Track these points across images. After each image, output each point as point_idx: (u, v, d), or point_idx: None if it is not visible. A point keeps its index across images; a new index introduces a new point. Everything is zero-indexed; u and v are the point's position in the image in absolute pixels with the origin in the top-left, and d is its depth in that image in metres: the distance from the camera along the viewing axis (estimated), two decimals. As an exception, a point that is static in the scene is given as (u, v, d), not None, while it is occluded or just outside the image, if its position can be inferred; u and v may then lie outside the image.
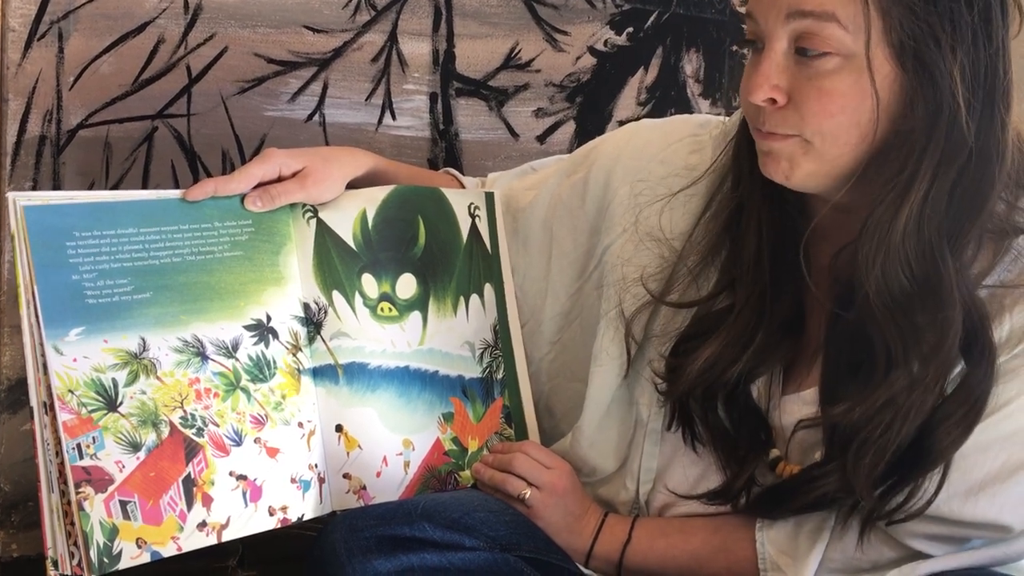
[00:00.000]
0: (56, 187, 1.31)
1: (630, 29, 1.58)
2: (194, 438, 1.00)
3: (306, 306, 1.10)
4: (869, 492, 0.95)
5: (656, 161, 1.13)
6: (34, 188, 1.31)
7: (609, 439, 1.15)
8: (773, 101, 0.92)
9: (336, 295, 1.11)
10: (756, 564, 1.05)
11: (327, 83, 1.43)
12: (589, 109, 1.57)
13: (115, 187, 1.35)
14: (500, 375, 1.19)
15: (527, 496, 1.10)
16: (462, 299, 1.17)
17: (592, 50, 1.56)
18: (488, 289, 1.19)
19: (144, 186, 1.36)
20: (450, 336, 1.16)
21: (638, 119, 1.54)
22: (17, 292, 0.95)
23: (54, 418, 0.94)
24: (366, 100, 1.46)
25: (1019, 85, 0.91)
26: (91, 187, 1.34)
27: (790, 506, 1.02)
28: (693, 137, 1.13)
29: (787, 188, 0.97)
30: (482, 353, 1.18)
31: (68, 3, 1.29)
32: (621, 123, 1.56)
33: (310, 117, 1.43)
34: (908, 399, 0.92)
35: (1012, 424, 0.93)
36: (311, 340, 1.09)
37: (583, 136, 1.56)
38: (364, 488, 1.10)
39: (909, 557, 0.99)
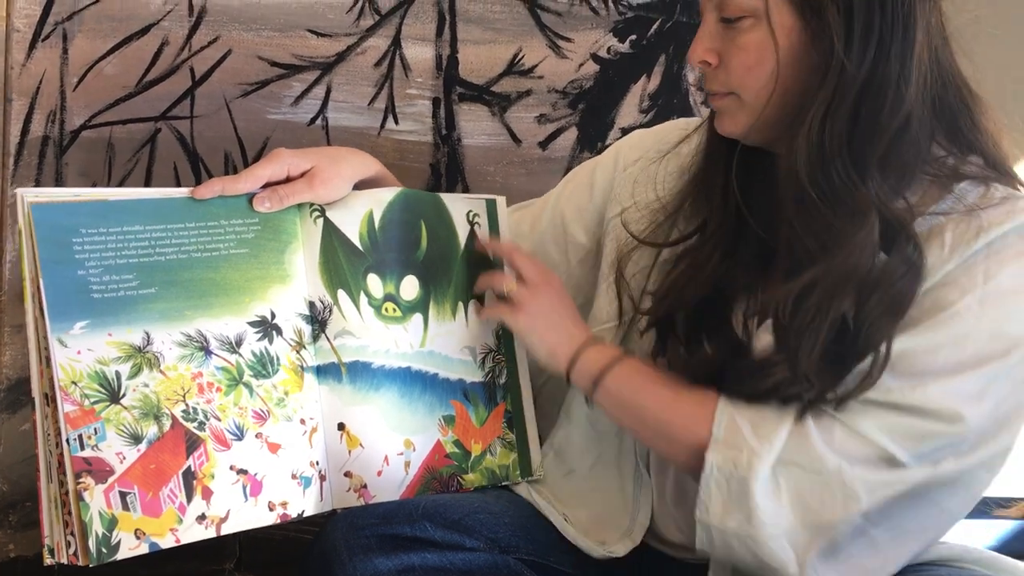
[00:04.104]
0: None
1: (633, 36, 1.59)
2: (195, 431, 1.00)
3: (311, 304, 1.10)
4: (817, 376, 0.99)
5: (653, 151, 1.23)
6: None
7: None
8: (708, 64, 1.05)
9: (341, 294, 1.11)
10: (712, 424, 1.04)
11: (330, 87, 1.44)
12: (591, 116, 1.58)
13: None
14: (503, 380, 1.19)
15: (512, 290, 1.12)
16: (461, 304, 1.18)
17: (595, 57, 1.57)
18: (490, 295, 1.19)
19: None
20: (450, 340, 1.16)
21: (640, 126, 1.55)
22: (23, 287, 0.96)
23: (55, 409, 0.94)
24: (369, 104, 1.46)
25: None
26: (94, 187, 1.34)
27: (746, 389, 1.03)
28: (683, 130, 1.22)
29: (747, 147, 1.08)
30: (484, 358, 1.18)
31: (73, 4, 1.30)
32: (623, 130, 1.57)
33: (313, 120, 1.43)
34: (828, 282, 0.99)
35: (958, 327, 0.98)
36: (315, 338, 1.09)
37: (585, 143, 1.57)
38: (365, 487, 1.10)
39: (876, 457, 0.98)
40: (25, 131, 1.30)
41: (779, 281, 1.03)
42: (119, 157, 1.35)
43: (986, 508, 1.76)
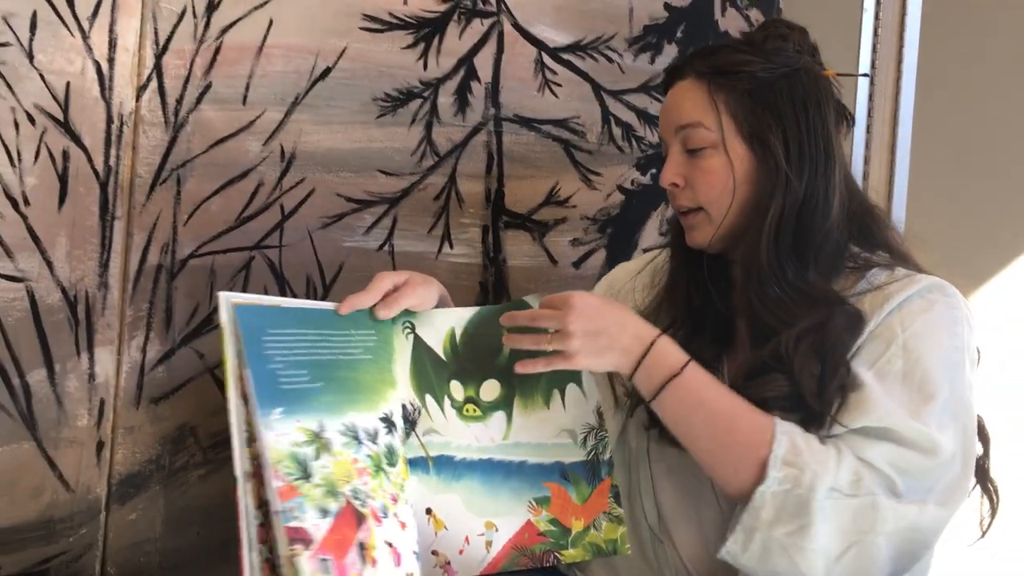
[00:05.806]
0: (169, 308, 1.46)
1: (653, 170, 1.75)
2: (360, 509, 1.13)
3: (403, 406, 1.26)
4: (818, 397, 1.17)
5: (634, 270, 1.48)
6: (150, 311, 1.47)
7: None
8: (676, 185, 1.28)
9: (428, 398, 1.27)
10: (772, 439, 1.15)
11: (396, 218, 1.59)
12: (618, 239, 1.73)
13: (216, 310, 1.50)
14: (607, 456, 1.30)
15: (551, 344, 1.18)
16: (556, 392, 1.31)
17: (621, 188, 1.72)
18: (587, 376, 1.33)
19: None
20: (543, 427, 1.29)
21: (661, 247, 1.75)
22: (225, 376, 1.10)
23: (255, 486, 1.08)
24: (428, 232, 1.62)
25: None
26: (196, 309, 1.49)
27: (750, 398, 1.20)
28: (652, 255, 1.47)
29: (708, 256, 1.30)
30: (585, 437, 1.31)
31: (186, 153, 1.45)
32: (645, 250, 1.73)
33: (381, 247, 1.59)
34: (801, 338, 1.20)
35: (895, 370, 1.17)
36: (407, 435, 1.25)
37: (612, 262, 1.72)
38: (449, 563, 1.24)
39: (885, 487, 1.15)
40: (143, 260, 1.43)
41: (748, 350, 1.25)
42: (219, 281, 1.49)
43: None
